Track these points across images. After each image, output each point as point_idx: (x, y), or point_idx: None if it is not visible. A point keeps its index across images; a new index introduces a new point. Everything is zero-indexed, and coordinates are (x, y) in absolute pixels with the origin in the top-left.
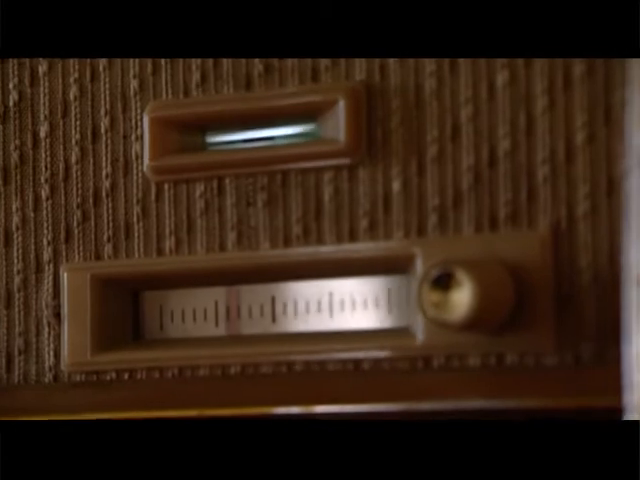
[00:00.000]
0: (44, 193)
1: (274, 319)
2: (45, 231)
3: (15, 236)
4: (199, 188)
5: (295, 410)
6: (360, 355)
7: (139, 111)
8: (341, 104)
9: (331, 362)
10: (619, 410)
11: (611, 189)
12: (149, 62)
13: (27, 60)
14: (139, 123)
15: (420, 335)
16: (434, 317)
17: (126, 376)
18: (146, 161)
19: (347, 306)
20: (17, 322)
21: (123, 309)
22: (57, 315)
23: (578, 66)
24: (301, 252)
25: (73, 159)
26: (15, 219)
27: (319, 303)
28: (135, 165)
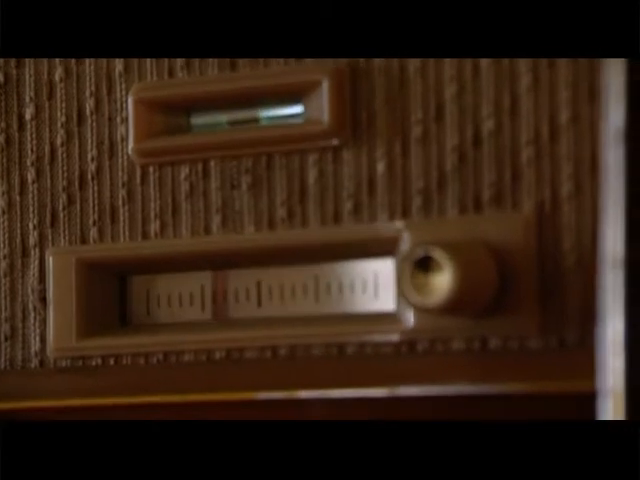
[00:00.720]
0: (30, 176)
1: (260, 303)
2: (31, 215)
3: (1, 220)
4: (184, 171)
5: (279, 395)
6: (344, 339)
7: (124, 93)
8: (325, 84)
9: (315, 346)
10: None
11: (595, 169)
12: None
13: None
14: (124, 105)
15: (404, 319)
16: (415, 300)
17: (112, 361)
18: (131, 144)
19: (334, 290)
20: (3, 307)
21: (109, 294)
22: (43, 300)
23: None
24: (286, 235)
25: (59, 142)
26: (1, 203)
27: (305, 287)
28: (120, 148)
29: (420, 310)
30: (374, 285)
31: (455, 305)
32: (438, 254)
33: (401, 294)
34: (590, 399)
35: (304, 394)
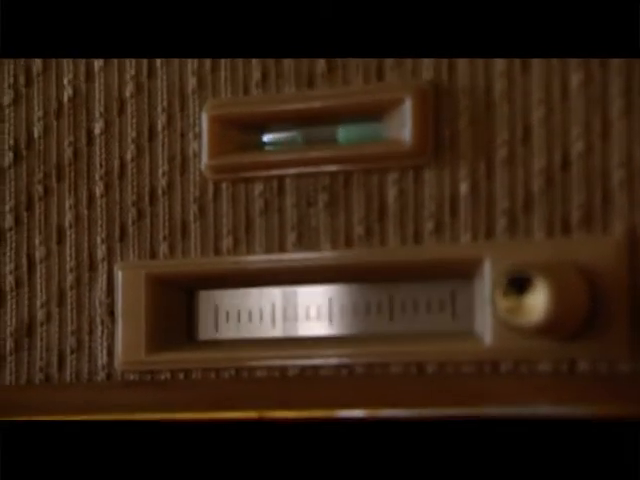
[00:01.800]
0: (98, 190)
1: (331, 320)
2: (99, 229)
3: (68, 234)
4: (258, 187)
5: (357, 413)
6: (424, 358)
7: (197, 109)
8: (408, 103)
9: (393, 365)
10: None
11: None
12: (208, 59)
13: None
14: (197, 121)
15: (488, 339)
16: (509, 321)
17: (181, 376)
18: (204, 159)
19: (409, 309)
20: (69, 320)
21: (178, 308)
22: (111, 313)
23: None
24: (363, 253)
25: (129, 156)
26: (68, 216)
27: (379, 305)
28: (192, 163)
29: (509, 331)
30: (451, 305)
31: (548, 327)
32: (535, 275)
33: (493, 314)
34: None
35: (385, 412)
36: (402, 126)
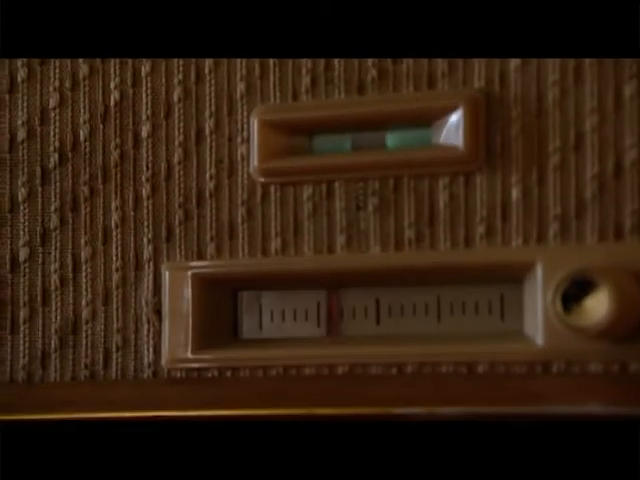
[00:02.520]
0: (145, 192)
1: (378, 321)
2: (145, 229)
3: (114, 234)
4: (307, 191)
5: (418, 410)
6: (474, 358)
7: (245, 114)
8: (460, 110)
9: (445, 364)
10: None
11: None
12: (257, 65)
13: (130, 60)
14: (245, 126)
15: (539, 340)
16: (569, 323)
17: (228, 374)
18: (253, 163)
19: (456, 310)
20: (115, 318)
21: (223, 307)
22: (157, 312)
23: None
24: (414, 256)
25: (176, 159)
26: (114, 217)
27: (427, 306)
28: (240, 167)
29: (572, 332)
30: (500, 307)
31: (609, 328)
32: (597, 277)
33: (553, 316)
34: None
35: (443, 410)
36: (454, 132)
